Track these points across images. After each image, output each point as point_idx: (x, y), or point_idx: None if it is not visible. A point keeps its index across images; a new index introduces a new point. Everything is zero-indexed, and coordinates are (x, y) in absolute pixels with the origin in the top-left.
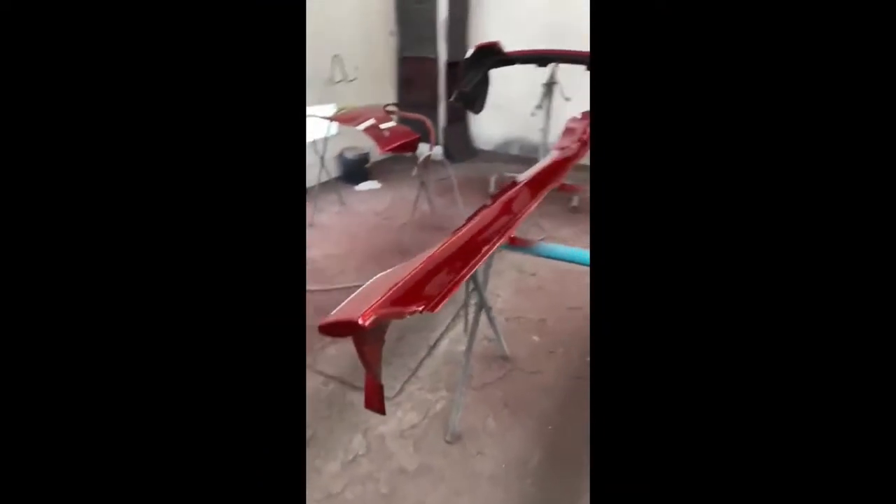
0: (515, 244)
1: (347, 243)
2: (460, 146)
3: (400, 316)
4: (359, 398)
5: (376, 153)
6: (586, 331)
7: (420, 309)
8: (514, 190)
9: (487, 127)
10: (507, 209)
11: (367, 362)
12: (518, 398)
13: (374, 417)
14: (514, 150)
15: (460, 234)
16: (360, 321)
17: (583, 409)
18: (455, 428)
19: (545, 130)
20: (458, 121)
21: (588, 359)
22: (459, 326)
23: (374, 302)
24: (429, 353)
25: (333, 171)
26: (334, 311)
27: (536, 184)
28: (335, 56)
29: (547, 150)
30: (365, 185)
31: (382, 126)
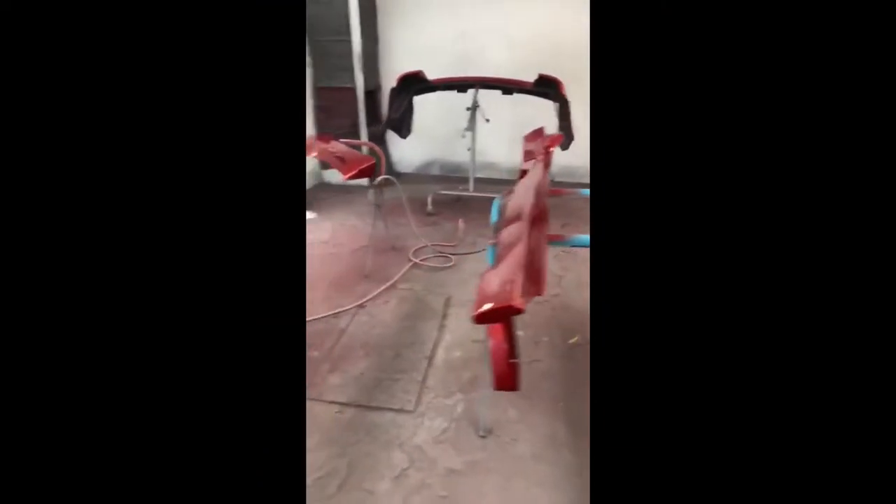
0: (553, 239)
1: (307, 275)
2: (385, 168)
3: (532, 297)
4: (379, 417)
5: (307, 184)
6: (557, 319)
7: (537, 295)
8: (529, 206)
9: (406, 151)
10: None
11: (512, 342)
12: (526, 386)
13: (405, 432)
14: (435, 171)
15: (522, 243)
16: (518, 305)
17: (578, 383)
18: (485, 423)
19: (473, 150)
20: (379, 146)
21: (570, 341)
22: (447, 337)
23: (514, 292)
24: (430, 364)
25: None
26: (479, 303)
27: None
28: None
29: (475, 167)
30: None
31: (336, 152)
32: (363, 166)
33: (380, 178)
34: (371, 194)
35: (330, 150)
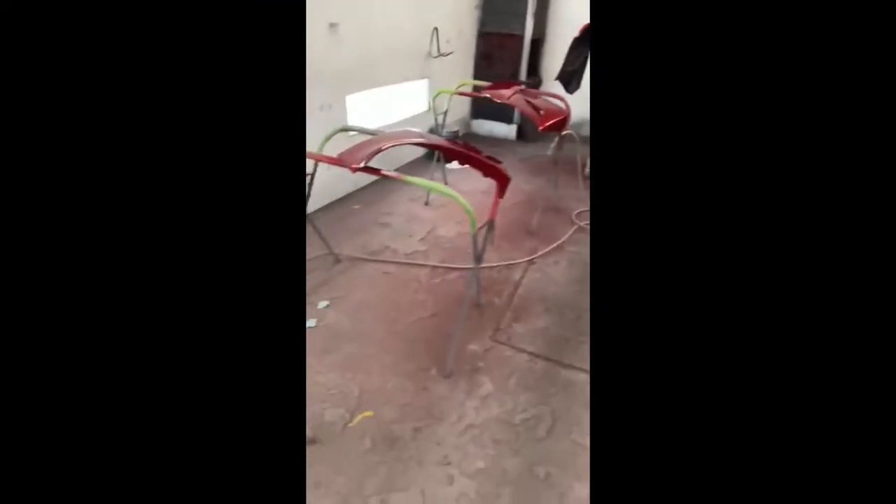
0: None
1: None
2: (533, 127)
3: None
4: (573, 375)
5: (462, 132)
6: None
7: None
8: None
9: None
10: None
11: None
12: None
13: None
14: (585, 131)
15: None
16: None
17: None
18: None
19: None
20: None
21: None
22: None
23: None
24: None
25: (417, 151)
26: None
27: None
28: (435, 28)
29: None
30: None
31: (534, 102)
32: (558, 119)
33: (564, 133)
34: (552, 149)
35: (528, 99)
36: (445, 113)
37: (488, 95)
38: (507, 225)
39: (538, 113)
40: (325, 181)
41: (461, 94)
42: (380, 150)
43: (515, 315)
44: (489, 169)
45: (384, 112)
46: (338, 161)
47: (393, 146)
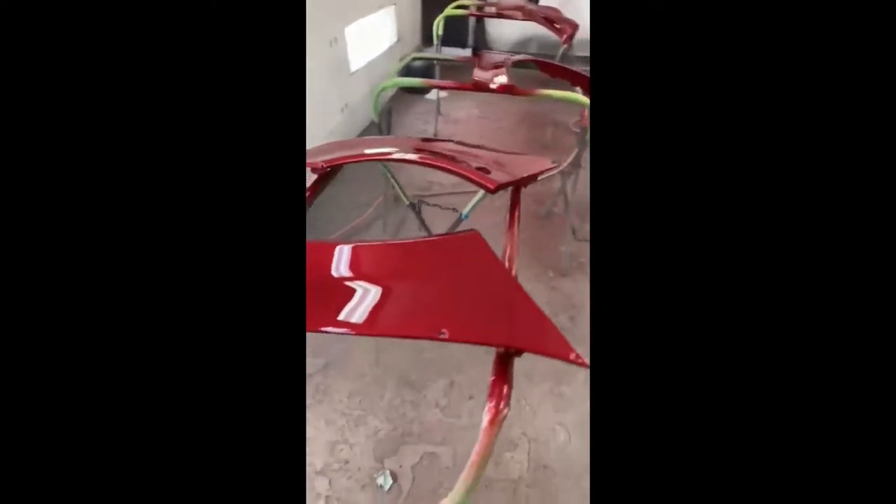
0: None
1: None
2: (482, 44)
3: None
4: None
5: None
6: None
7: None
8: None
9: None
10: None
11: None
12: None
13: None
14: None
15: None
16: None
17: None
18: None
19: None
20: (481, 19)
21: None
22: None
23: None
24: None
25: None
26: None
27: None
28: None
29: None
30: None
31: (550, 16)
32: (575, 30)
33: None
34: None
35: (544, 15)
36: (441, 37)
37: (496, 12)
38: (522, 141)
39: (554, 26)
40: (340, 122)
41: (471, 14)
42: (506, 65)
43: (580, 216)
44: (578, 78)
45: (365, 47)
46: (465, 86)
47: (514, 62)
